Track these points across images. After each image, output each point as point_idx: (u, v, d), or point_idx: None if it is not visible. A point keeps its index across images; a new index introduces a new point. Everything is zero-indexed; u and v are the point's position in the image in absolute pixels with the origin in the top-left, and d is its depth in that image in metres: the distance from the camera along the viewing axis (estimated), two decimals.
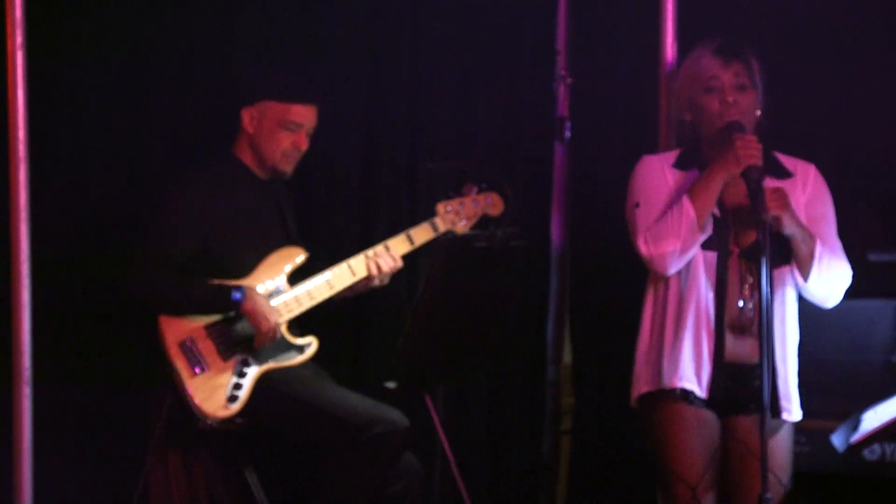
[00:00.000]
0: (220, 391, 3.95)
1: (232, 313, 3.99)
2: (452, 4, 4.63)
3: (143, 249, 4.00)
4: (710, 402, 3.49)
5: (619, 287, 4.24)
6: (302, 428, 4.03)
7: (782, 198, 3.41)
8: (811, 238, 3.48)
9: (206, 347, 3.98)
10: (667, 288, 3.54)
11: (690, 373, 3.48)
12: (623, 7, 4.53)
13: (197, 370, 3.95)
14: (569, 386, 4.72)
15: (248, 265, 4.07)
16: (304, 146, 4.17)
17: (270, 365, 4.03)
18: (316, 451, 4.06)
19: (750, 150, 3.42)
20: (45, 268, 4.07)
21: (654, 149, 3.80)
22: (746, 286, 3.49)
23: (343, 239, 4.51)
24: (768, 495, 3.26)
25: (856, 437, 3.44)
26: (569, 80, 4.53)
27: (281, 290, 4.08)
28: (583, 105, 4.55)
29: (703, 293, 3.50)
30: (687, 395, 3.48)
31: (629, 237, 3.58)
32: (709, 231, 3.48)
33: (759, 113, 3.57)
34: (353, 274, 4.15)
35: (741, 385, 3.46)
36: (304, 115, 4.15)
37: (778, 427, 3.51)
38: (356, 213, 4.61)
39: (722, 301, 3.48)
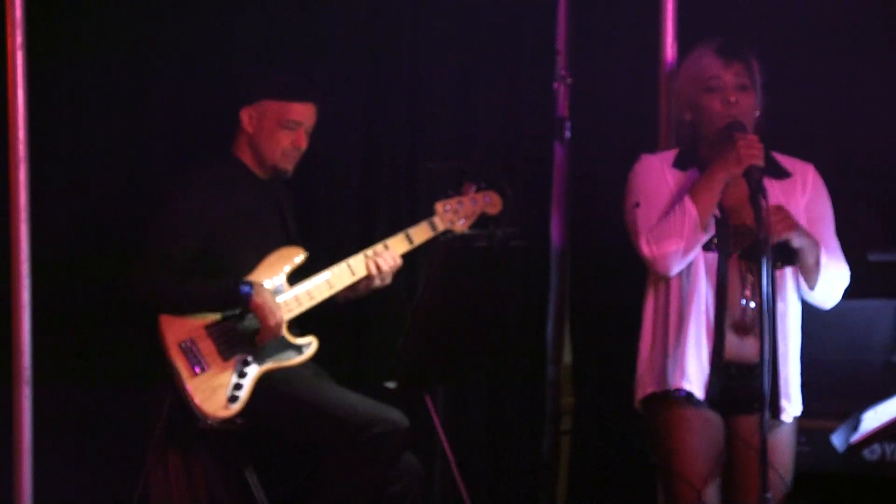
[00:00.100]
0: (220, 391, 3.95)
1: (236, 311, 3.99)
2: (452, 4, 4.63)
3: (143, 250, 3.99)
4: (713, 403, 3.49)
5: (619, 287, 4.24)
6: (302, 428, 4.03)
7: (787, 217, 3.42)
8: (816, 246, 3.48)
9: (207, 347, 3.98)
10: (667, 289, 3.54)
11: (694, 374, 3.48)
12: (623, 7, 4.53)
13: (197, 370, 3.95)
14: (569, 386, 4.72)
15: (248, 265, 4.07)
16: (304, 145, 4.17)
17: (270, 365, 4.03)
18: (316, 451, 4.05)
19: (752, 150, 3.42)
20: (45, 268, 4.06)
21: (654, 149, 3.80)
22: (748, 286, 3.49)
23: (343, 239, 4.51)
24: (768, 495, 3.26)
25: (856, 437, 3.44)
26: (569, 80, 4.53)
27: (281, 289, 4.08)
28: (583, 105, 4.55)
29: (704, 294, 3.49)
30: (691, 396, 3.48)
31: (629, 237, 3.58)
32: (711, 231, 3.48)
33: (758, 113, 3.57)
34: (353, 273, 4.15)
35: (745, 385, 3.46)
36: (303, 114, 4.15)
37: (781, 426, 3.51)
38: (356, 213, 4.61)
39: (722, 302, 3.48)
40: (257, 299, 3.97)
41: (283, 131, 4.13)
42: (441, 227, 4.24)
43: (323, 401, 4.03)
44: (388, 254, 4.15)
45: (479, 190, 4.30)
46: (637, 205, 3.55)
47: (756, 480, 3.32)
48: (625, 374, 3.80)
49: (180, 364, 3.94)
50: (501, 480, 4.70)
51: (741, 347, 3.48)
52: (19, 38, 3.94)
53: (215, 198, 4.08)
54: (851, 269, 3.63)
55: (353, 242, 4.38)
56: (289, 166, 4.18)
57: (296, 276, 4.13)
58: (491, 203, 4.31)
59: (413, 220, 4.28)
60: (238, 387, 3.97)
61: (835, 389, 3.88)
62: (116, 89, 4.37)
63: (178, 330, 3.97)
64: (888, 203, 4.39)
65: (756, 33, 4.07)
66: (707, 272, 3.50)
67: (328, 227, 4.57)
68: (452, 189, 4.29)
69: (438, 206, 4.25)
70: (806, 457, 3.84)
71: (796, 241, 3.45)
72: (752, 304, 3.47)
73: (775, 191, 3.48)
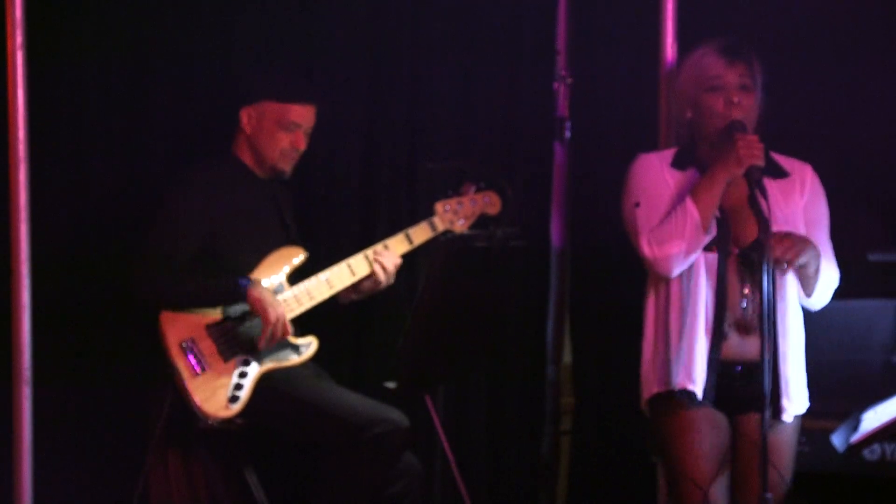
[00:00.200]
0: (221, 391, 3.95)
1: (237, 310, 3.99)
2: (452, 4, 4.63)
3: (143, 249, 3.99)
4: (716, 402, 3.49)
5: (619, 287, 4.25)
6: (302, 428, 4.03)
7: (793, 245, 3.42)
8: (818, 256, 3.48)
9: (207, 347, 3.98)
10: (668, 289, 3.54)
11: (698, 374, 3.48)
12: (623, 7, 4.53)
13: (198, 370, 3.95)
14: (569, 386, 4.72)
15: (248, 265, 4.07)
16: (303, 146, 4.17)
17: (271, 365, 4.04)
18: (316, 451, 4.06)
19: (752, 150, 3.42)
20: (45, 268, 4.06)
21: (654, 149, 3.80)
22: (748, 286, 3.49)
23: (343, 239, 4.51)
24: (768, 495, 3.27)
25: (856, 437, 3.44)
26: (569, 80, 4.53)
27: (281, 289, 4.08)
28: (583, 105, 4.55)
29: (705, 294, 3.49)
30: (695, 396, 3.48)
31: (629, 237, 3.58)
32: (713, 232, 3.48)
33: (758, 113, 3.57)
34: (353, 273, 4.15)
35: (748, 384, 3.45)
36: (303, 116, 4.15)
37: (784, 424, 3.51)
38: (356, 213, 4.61)
39: (722, 302, 3.48)
40: (254, 292, 3.97)
41: (282, 132, 4.14)
42: (441, 227, 4.24)
43: (323, 401, 4.03)
44: (389, 253, 4.16)
45: (478, 190, 4.30)
46: (637, 205, 3.55)
47: (757, 478, 3.32)
48: (625, 374, 3.80)
49: (181, 364, 3.94)
50: (501, 480, 4.70)
51: (744, 347, 3.48)
52: (19, 38, 3.94)
53: (215, 197, 4.08)
54: (851, 269, 3.63)
55: (353, 242, 4.38)
56: (287, 167, 4.19)
57: (296, 276, 4.13)
58: (490, 203, 4.31)
59: (413, 221, 4.28)
60: (238, 387, 3.97)
61: (835, 389, 3.88)
62: (116, 89, 4.37)
63: (179, 330, 3.97)
64: (888, 203, 4.39)
65: (756, 33, 4.07)
66: (707, 272, 3.50)
67: (328, 227, 4.57)
68: (452, 189, 4.29)
69: (438, 207, 4.25)
70: (806, 457, 3.84)
71: (802, 260, 3.46)
72: (754, 304, 3.46)
73: (773, 190, 3.48)
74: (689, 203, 3.46)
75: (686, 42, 3.95)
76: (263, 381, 4.00)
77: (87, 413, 4.26)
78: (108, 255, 4.21)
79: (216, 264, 4.03)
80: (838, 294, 3.61)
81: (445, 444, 4.17)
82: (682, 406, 3.49)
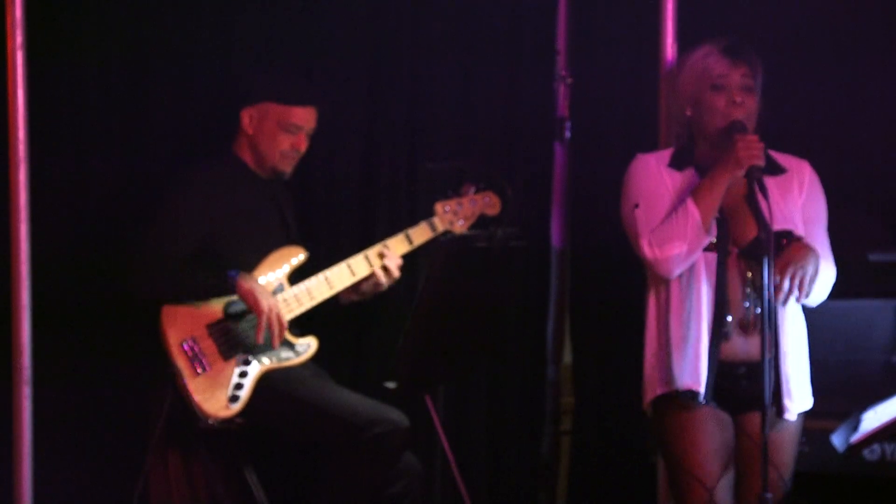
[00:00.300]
0: (221, 391, 3.95)
1: (237, 309, 3.99)
2: (452, 4, 4.63)
3: (142, 247, 3.99)
4: (720, 402, 3.49)
5: (619, 287, 4.25)
6: (302, 428, 4.03)
7: (795, 266, 3.41)
8: (817, 258, 3.48)
9: (208, 347, 3.98)
10: (668, 290, 3.54)
11: (700, 374, 3.47)
12: (623, 7, 4.53)
13: (198, 370, 3.95)
14: (569, 386, 4.72)
15: (248, 264, 4.06)
16: (304, 148, 4.17)
17: (271, 365, 4.04)
18: (316, 451, 4.06)
19: (751, 150, 3.42)
20: (45, 268, 4.06)
21: (654, 149, 3.80)
22: (748, 285, 3.49)
23: (343, 239, 4.51)
24: (768, 495, 3.27)
25: (856, 437, 3.44)
26: (569, 80, 4.53)
27: (281, 288, 4.08)
28: (583, 105, 4.55)
29: (705, 294, 3.49)
30: (698, 395, 3.47)
31: (629, 238, 3.57)
32: (714, 233, 3.48)
33: (758, 115, 3.57)
34: (353, 274, 4.15)
35: (753, 383, 3.45)
36: (305, 118, 4.15)
37: (787, 423, 3.51)
38: (356, 213, 4.60)
39: (722, 302, 3.48)
40: (244, 285, 3.96)
41: (284, 134, 4.13)
42: (441, 227, 4.24)
43: (323, 401, 4.03)
44: (390, 254, 4.16)
45: (478, 191, 4.30)
46: (636, 206, 3.54)
47: (758, 475, 3.32)
48: (625, 374, 3.81)
49: (182, 363, 3.94)
50: (501, 480, 4.70)
51: (747, 346, 3.48)
52: (19, 38, 3.94)
53: (216, 197, 4.08)
54: (851, 269, 3.63)
55: (353, 242, 4.38)
56: (287, 168, 4.19)
57: (296, 277, 4.13)
58: (490, 204, 4.31)
59: (413, 221, 4.28)
60: (239, 387, 3.97)
61: (835, 389, 3.88)
62: (116, 89, 4.37)
63: (180, 329, 3.97)
64: (888, 203, 4.39)
65: (756, 33, 4.08)
66: (707, 272, 3.50)
67: (328, 227, 4.57)
68: (452, 190, 4.29)
69: (438, 207, 4.26)
70: (806, 457, 3.84)
71: (807, 278, 3.46)
72: (755, 303, 3.46)
73: (771, 188, 3.48)
74: (690, 204, 3.46)
75: (686, 42, 3.95)
76: (263, 381, 4.00)
77: (87, 413, 4.26)
78: (109, 256, 4.21)
79: (217, 264, 4.02)
80: (838, 294, 3.61)
81: (445, 444, 4.17)
82: (687, 406, 3.49)
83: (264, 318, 3.94)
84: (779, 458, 3.45)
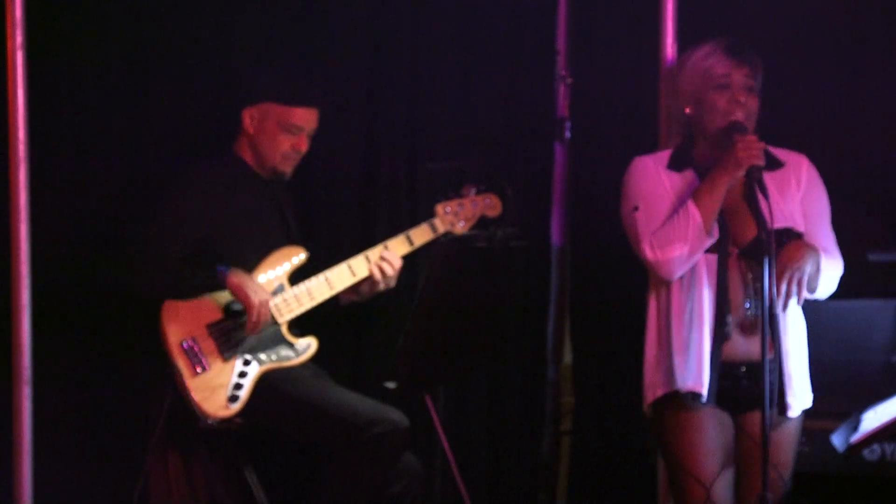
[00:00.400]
0: (220, 391, 3.95)
1: (237, 308, 3.99)
2: (452, 4, 4.63)
3: (143, 247, 3.99)
4: (720, 402, 3.49)
5: (620, 287, 4.25)
6: (302, 428, 4.03)
7: (792, 269, 3.41)
8: (818, 255, 3.47)
9: (208, 347, 3.98)
10: (669, 291, 3.54)
11: (702, 374, 3.47)
12: (623, 7, 4.53)
13: (198, 370, 3.95)
14: (569, 386, 4.72)
15: (248, 264, 4.06)
16: (305, 149, 4.17)
17: (270, 365, 4.04)
18: (316, 451, 4.06)
19: (750, 151, 3.42)
20: (45, 268, 4.06)
21: (654, 149, 3.80)
22: (749, 285, 3.48)
23: (343, 239, 4.51)
24: (768, 495, 3.27)
25: (856, 437, 3.44)
26: (569, 80, 4.53)
27: (281, 288, 4.09)
28: (583, 105, 4.55)
29: (706, 295, 3.49)
30: (699, 396, 3.48)
31: (629, 241, 3.57)
32: (715, 235, 3.47)
33: (758, 116, 3.57)
34: (354, 274, 4.15)
35: (754, 383, 3.44)
36: (306, 119, 4.15)
37: (788, 421, 3.52)
38: (356, 213, 4.61)
39: (722, 303, 3.48)
40: (234, 279, 3.96)
41: (284, 134, 4.14)
42: (441, 228, 4.24)
43: (323, 401, 4.03)
44: (390, 256, 4.16)
45: (479, 192, 4.30)
46: (636, 208, 3.54)
47: (758, 475, 3.32)
48: (625, 374, 3.80)
49: (181, 363, 3.94)
50: (501, 480, 4.70)
51: (749, 347, 3.48)
52: (19, 38, 3.95)
53: (216, 197, 4.08)
54: (851, 269, 3.62)
55: (353, 242, 4.38)
56: (288, 168, 4.19)
57: (296, 277, 4.13)
58: (490, 205, 4.31)
59: (413, 221, 4.28)
60: (238, 386, 3.97)
61: (835, 389, 3.88)
62: (116, 89, 4.37)
63: (180, 329, 3.97)
64: (888, 203, 4.39)
65: (756, 33, 4.07)
66: (707, 273, 3.50)
67: (328, 227, 4.57)
68: (453, 190, 4.29)
69: (439, 208, 4.25)
70: (806, 457, 3.84)
71: (806, 278, 3.46)
72: (755, 303, 3.46)
73: (769, 184, 3.47)
74: (690, 206, 3.46)
75: (686, 42, 3.94)
76: (263, 381, 4.00)
77: (87, 413, 4.26)
78: (109, 256, 4.20)
79: (217, 263, 4.02)
80: (838, 294, 3.61)
81: (445, 444, 4.17)
82: (688, 407, 3.49)
83: (254, 312, 3.94)
84: (779, 457, 3.45)
